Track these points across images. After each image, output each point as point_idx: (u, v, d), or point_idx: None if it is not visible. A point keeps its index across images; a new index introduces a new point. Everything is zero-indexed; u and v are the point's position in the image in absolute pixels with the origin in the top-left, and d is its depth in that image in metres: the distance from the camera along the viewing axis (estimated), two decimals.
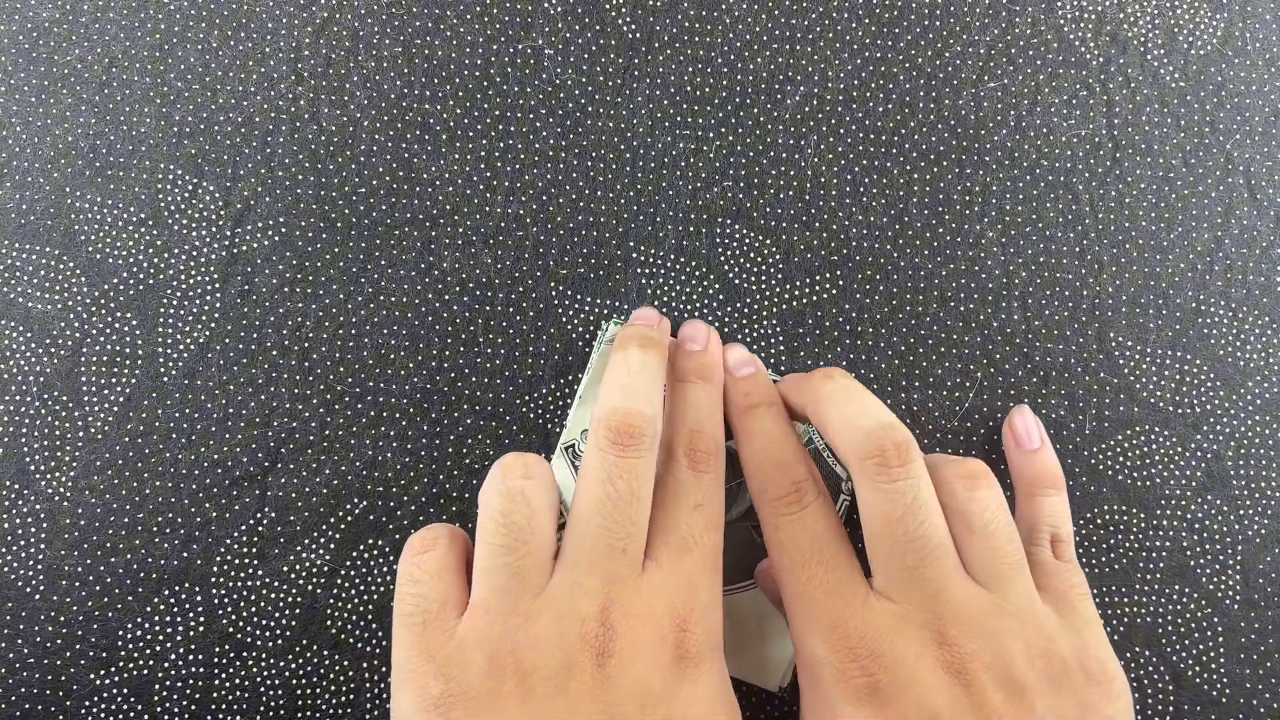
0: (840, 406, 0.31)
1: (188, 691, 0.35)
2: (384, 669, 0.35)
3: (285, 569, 0.36)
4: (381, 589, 0.36)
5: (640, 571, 0.29)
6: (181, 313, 0.36)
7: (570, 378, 0.36)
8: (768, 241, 0.37)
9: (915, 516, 0.29)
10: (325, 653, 0.35)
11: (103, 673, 0.35)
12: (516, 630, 0.28)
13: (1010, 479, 0.36)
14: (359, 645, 0.36)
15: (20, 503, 0.35)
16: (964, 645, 0.28)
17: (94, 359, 0.36)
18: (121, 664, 0.35)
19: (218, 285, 0.36)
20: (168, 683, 0.35)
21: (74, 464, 0.36)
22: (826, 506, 0.31)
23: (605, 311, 0.37)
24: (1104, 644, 0.30)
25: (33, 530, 0.35)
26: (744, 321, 0.37)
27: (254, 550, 0.36)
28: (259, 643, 0.35)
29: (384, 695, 0.35)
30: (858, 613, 0.29)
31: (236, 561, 0.36)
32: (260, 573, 0.36)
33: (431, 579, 0.29)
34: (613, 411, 0.30)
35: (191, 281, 0.36)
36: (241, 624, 0.35)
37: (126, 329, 0.36)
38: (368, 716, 0.35)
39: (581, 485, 0.30)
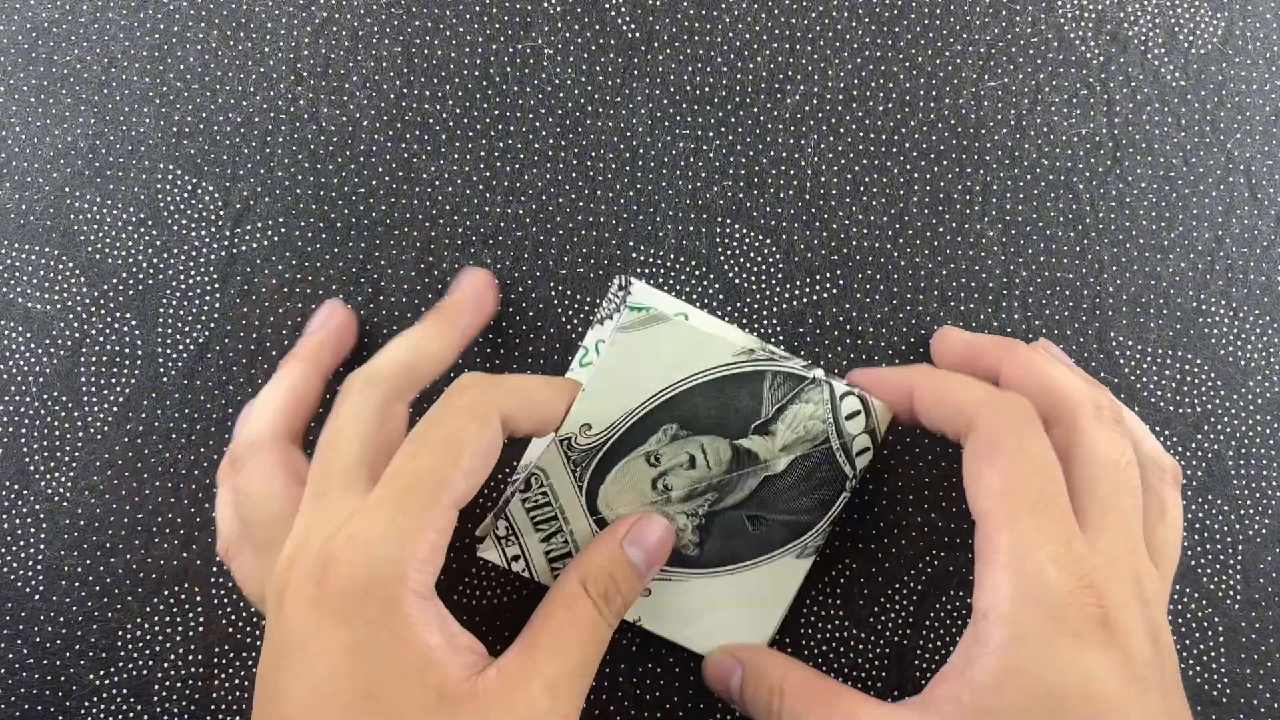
0: (1058, 365, 0.32)
1: (187, 692, 0.35)
2: None
3: None
4: None
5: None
6: (181, 313, 0.36)
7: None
8: (768, 241, 0.37)
9: (1135, 468, 0.30)
10: None
11: (102, 673, 0.35)
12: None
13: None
14: None
15: (20, 503, 0.35)
16: (1154, 607, 0.29)
17: (93, 359, 0.36)
18: (121, 664, 0.35)
19: (217, 285, 0.36)
20: (167, 683, 0.35)
21: (73, 464, 0.36)
22: None
23: None
24: None
25: (32, 530, 0.35)
26: (744, 321, 0.37)
27: None
28: (259, 643, 0.35)
29: None
30: (1084, 543, 0.28)
31: None
32: None
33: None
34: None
35: (191, 282, 0.36)
36: (241, 624, 0.35)
37: (126, 329, 0.36)
38: None
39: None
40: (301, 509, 0.29)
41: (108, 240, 0.36)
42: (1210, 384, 0.37)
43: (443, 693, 0.27)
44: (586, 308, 0.37)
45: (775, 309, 0.37)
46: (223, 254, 0.36)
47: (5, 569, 0.35)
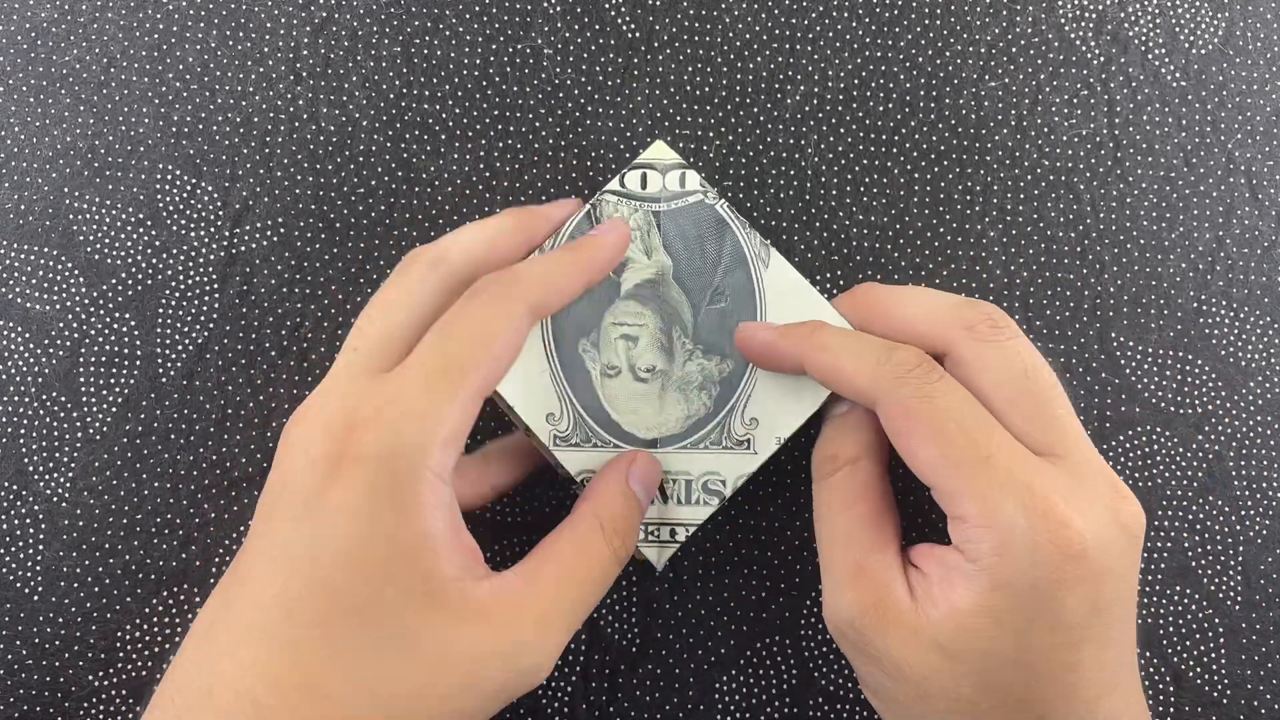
0: (903, 299, 0.30)
1: None
2: None
3: None
4: None
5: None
6: (180, 313, 0.36)
7: None
8: (768, 241, 0.37)
9: (1043, 368, 0.28)
10: None
11: (101, 674, 0.35)
12: None
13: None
14: None
15: (19, 504, 0.35)
16: (1124, 511, 0.27)
17: (92, 359, 0.36)
18: (120, 665, 0.35)
19: (216, 286, 0.36)
20: None
21: (73, 465, 0.36)
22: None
23: None
24: None
25: (31, 531, 0.35)
26: None
27: None
28: None
29: None
30: (1045, 473, 0.27)
31: None
32: None
33: None
34: None
35: (190, 282, 0.36)
36: None
37: (125, 329, 0.36)
38: None
39: None
40: (336, 365, 0.29)
41: (107, 240, 0.36)
42: (1211, 384, 0.37)
43: (429, 582, 0.26)
44: None
45: None
46: (222, 254, 0.36)
47: (5, 569, 0.35)
